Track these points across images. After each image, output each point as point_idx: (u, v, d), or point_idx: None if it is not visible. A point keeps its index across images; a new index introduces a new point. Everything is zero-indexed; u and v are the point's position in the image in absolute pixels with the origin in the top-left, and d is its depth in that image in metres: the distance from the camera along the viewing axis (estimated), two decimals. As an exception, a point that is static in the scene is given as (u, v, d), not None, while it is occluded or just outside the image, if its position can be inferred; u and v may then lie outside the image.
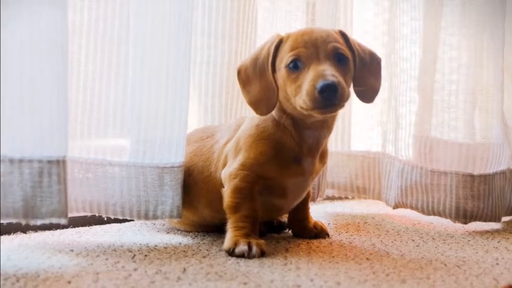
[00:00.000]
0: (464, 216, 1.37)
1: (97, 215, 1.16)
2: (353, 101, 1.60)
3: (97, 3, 1.14)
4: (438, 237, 1.28)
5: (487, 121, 1.44)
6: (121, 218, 1.16)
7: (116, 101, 1.15)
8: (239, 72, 1.13)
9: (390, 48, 1.52)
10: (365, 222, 1.41)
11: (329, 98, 0.99)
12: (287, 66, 1.05)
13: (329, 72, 1.01)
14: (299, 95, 1.03)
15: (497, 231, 1.36)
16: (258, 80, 1.10)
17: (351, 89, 1.10)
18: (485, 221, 1.38)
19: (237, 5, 1.37)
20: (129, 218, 1.16)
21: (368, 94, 1.14)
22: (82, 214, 1.25)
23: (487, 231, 1.35)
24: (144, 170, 1.14)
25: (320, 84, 0.99)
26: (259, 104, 1.10)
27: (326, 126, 1.12)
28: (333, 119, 1.14)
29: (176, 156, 1.15)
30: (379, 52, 1.55)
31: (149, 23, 1.13)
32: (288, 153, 1.11)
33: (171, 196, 1.15)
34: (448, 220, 1.41)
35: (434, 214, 1.41)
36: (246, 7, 1.40)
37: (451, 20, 1.43)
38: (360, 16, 1.61)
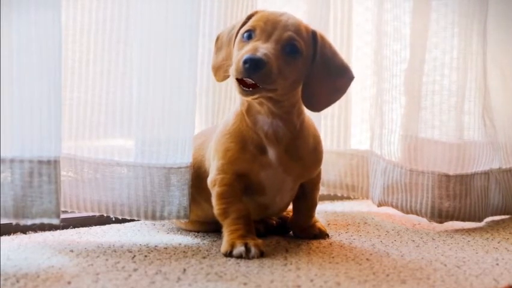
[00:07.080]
0: (439, 215, 1.38)
1: (105, 215, 1.16)
2: (352, 101, 1.63)
3: (104, 4, 1.15)
4: (438, 237, 1.28)
5: (467, 122, 1.45)
6: (128, 218, 1.17)
7: (122, 101, 1.16)
8: (217, 39, 1.15)
9: (377, 49, 1.51)
10: (365, 223, 1.41)
11: (250, 72, 0.99)
12: (242, 34, 1.07)
13: (263, 50, 1.00)
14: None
15: (497, 231, 1.36)
16: (226, 47, 1.12)
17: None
18: (463, 220, 1.39)
19: (225, 5, 1.36)
20: (137, 219, 1.17)
21: (314, 101, 1.10)
22: (81, 214, 1.26)
23: (487, 232, 1.35)
24: (151, 171, 1.14)
25: (246, 55, 0.99)
26: (219, 70, 1.13)
27: (278, 116, 1.09)
28: (283, 109, 1.09)
29: (183, 156, 1.15)
30: (373, 51, 1.56)
31: (154, 24, 1.13)
32: (250, 143, 1.10)
33: (178, 197, 1.15)
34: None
35: (412, 213, 1.42)
36: (241, 7, 1.39)
37: (437, 23, 1.44)
38: (360, 18, 1.61)
